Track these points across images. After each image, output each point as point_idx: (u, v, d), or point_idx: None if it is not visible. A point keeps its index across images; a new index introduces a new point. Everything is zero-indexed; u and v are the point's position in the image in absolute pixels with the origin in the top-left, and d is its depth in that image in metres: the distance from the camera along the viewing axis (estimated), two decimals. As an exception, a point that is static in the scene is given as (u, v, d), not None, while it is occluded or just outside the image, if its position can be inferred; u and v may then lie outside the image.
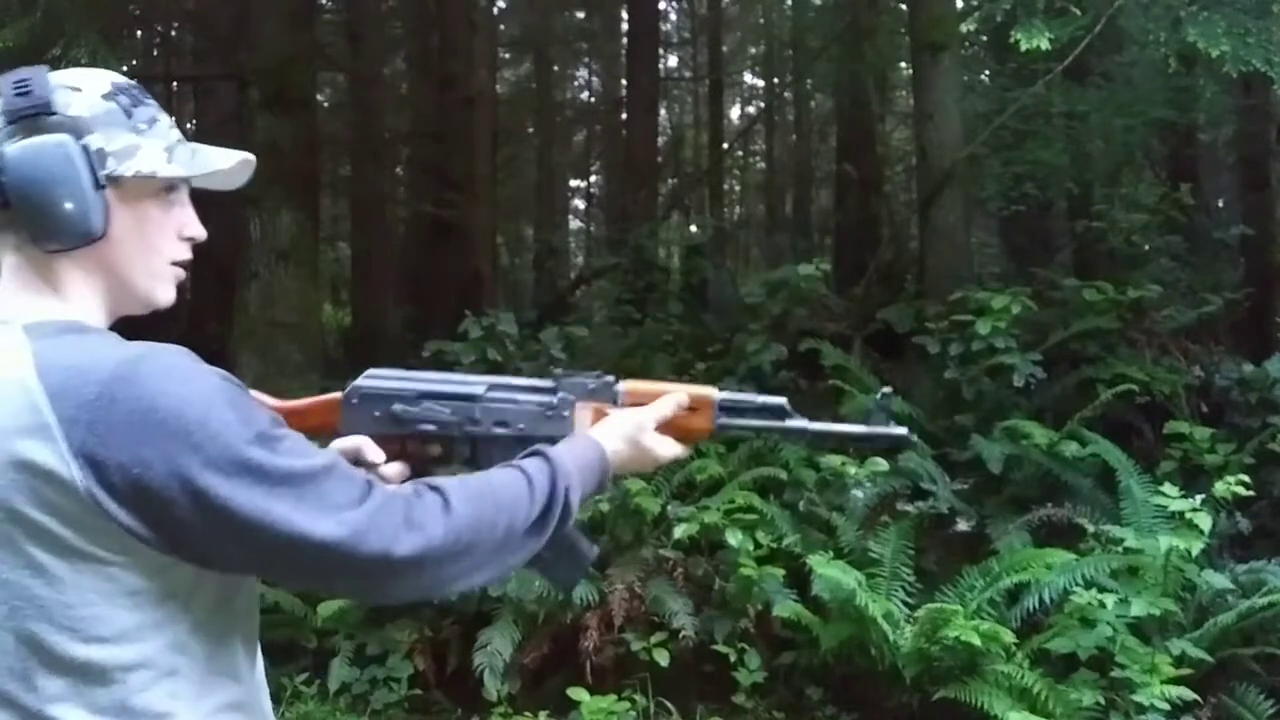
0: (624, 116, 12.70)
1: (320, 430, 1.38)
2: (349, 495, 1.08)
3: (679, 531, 4.44)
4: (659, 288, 8.02)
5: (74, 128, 1.12)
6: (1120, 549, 4.20)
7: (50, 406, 1.02)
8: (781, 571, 4.38)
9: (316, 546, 1.05)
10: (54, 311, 1.13)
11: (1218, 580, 4.17)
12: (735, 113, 18.70)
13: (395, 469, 1.37)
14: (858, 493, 4.85)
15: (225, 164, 1.23)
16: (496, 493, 1.19)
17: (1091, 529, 4.44)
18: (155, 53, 11.70)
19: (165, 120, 1.20)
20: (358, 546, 1.06)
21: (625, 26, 13.29)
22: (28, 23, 5.80)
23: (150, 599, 1.07)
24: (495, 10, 13.52)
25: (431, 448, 1.40)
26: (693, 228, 13.40)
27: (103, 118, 1.14)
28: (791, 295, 6.71)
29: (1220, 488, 4.25)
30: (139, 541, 1.04)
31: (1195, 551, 3.99)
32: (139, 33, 10.96)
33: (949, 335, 5.66)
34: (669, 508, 4.73)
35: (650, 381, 1.47)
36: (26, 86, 1.12)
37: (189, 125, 11.66)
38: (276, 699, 1.29)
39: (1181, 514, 4.09)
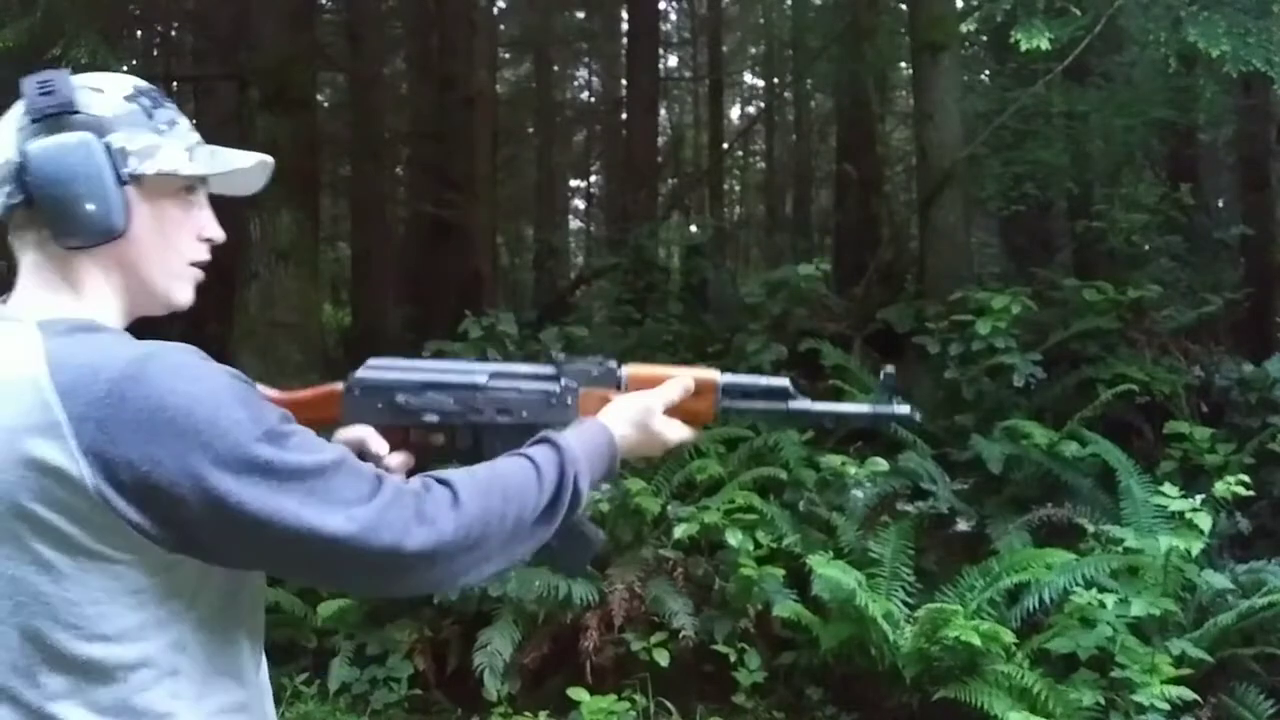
0: (624, 116, 12.70)
1: (322, 422, 1.37)
2: (359, 490, 1.08)
3: (679, 531, 4.44)
4: (659, 288, 8.03)
5: (97, 126, 1.13)
6: (1120, 549, 4.20)
7: (61, 404, 1.02)
8: (781, 571, 4.38)
9: (327, 542, 1.05)
10: (69, 309, 1.13)
11: (1218, 580, 4.17)
12: (735, 113, 18.72)
13: (399, 459, 1.37)
14: (858, 493, 4.85)
15: (245, 163, 1.24)
16: (505, 483, 1.18)
17: (1091, 529, 4.44)
18: (155, 53, 11.69)
19: (185, 123, 1.22)
20: (368, 542, 1.06)
21: (625, 26, 13.29)
22: (28, 23, 5.80)
23: (154, 597, 1.07)
24: (495, 10, 13.53)
25: (434, 437, 1.40)
26: (693, 228, 13.39)
27: (125, 118, 1.16)
28: (791, 295, 6.72)
29: (1220, 488, 4.25)
30: (147, 539, 1.04)
31: (1195, 551, 3.99)
32: (139, 33, 10.96)
33: (949, 335, 5.66)
34: (669, 508, 4.73)
35: (653, 366, 1.47)
36: (50, 86, 1.13)
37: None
38: (277, 699, 1.29)
39: (1181, 514, 4.09)
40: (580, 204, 20.28)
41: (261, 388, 1.33)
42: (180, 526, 1.04)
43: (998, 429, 5.22)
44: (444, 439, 1.40)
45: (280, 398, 1.37)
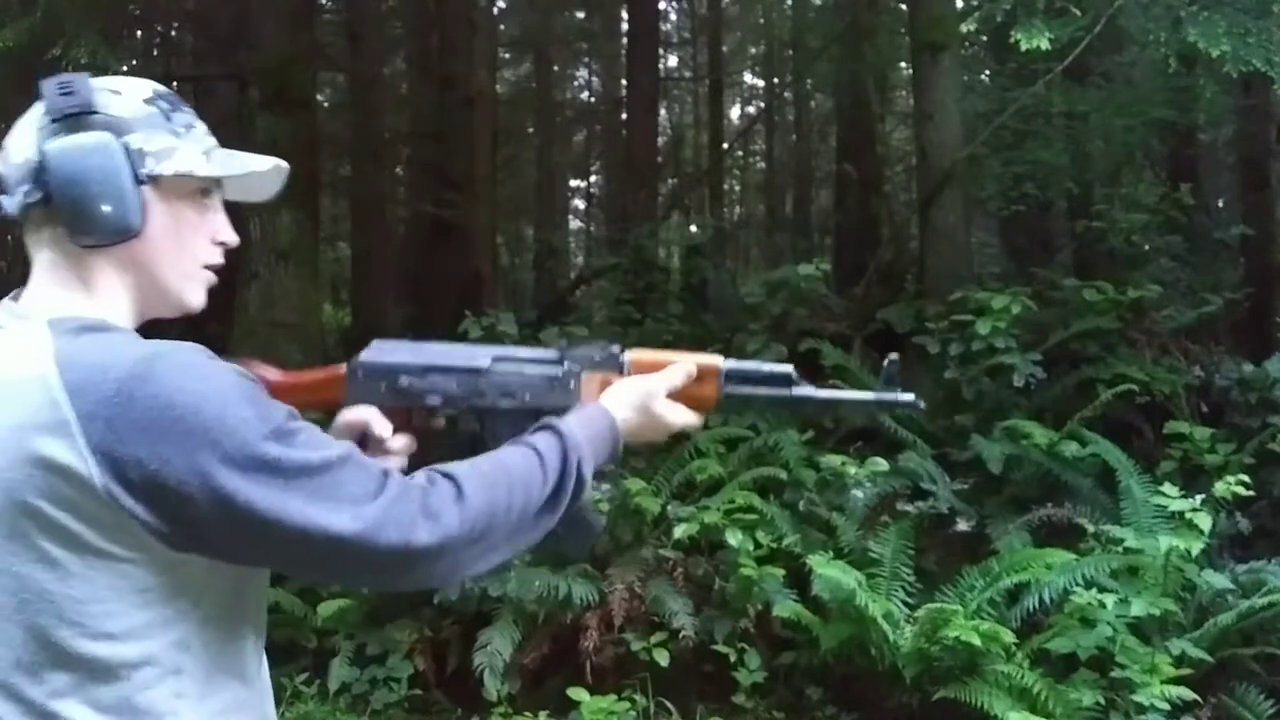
0: (624, 116, 12.69)
1: (325, 403, 1.38)
2: (365, 487, 1.09)
3: (679, 531, 4.44)
4: (659, 288, 8.02)
5: (116, 127, 1.15)
6: (1120, 549, 4.20)
7: (69, 403, 1.03)
8: (781, 571, 4.38)
9: (334, 540, 1.06)
10: (80, 308, 1.14)
11: (1218, 580, 4.17)
12: (735, 113, 18.71)
13: (401, 442, 1.37)
14: (858, 493, 4.85)
15: (261, 166, 1.25)
16: (509, 473, 1.19)
17: (1091, 529, 4.44)
18: (155, 53, 11.68)
19: (202, 127, 1.23)
20: (375, 539, 1.07)
21: (625, 26, 13.29)
22: (28, 23, 5.80)
23: (160, 596, 1.08)
24: (495, 10, 13.53)
25: (437, 420, 1.40)
26: (693, 228, 13.38)
27: (143, 119, 1.17)
28: (791, 295, 6.72)
29: (1220, 488, 4.25)
30: (154, 538, 1.05)
31: (1195, 551, 3.99)
32: (139, 33, 10.95)
33: (949, 335, 5.66)
34: (669, 508, 4.74)
35: (656, 350, 1.46)
36: (70, 88, 1.15)
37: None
38: (277, 699, 1.29)
39: (1181, 514, 4.10)
40: (580, 204, 20.29)
41: (266, 368, 1.35)
42: (188, 524, 1.04)
43: (998, 429, 5.22)
44: (446, 422, 1.40)
45: (284, 379, 1.37)
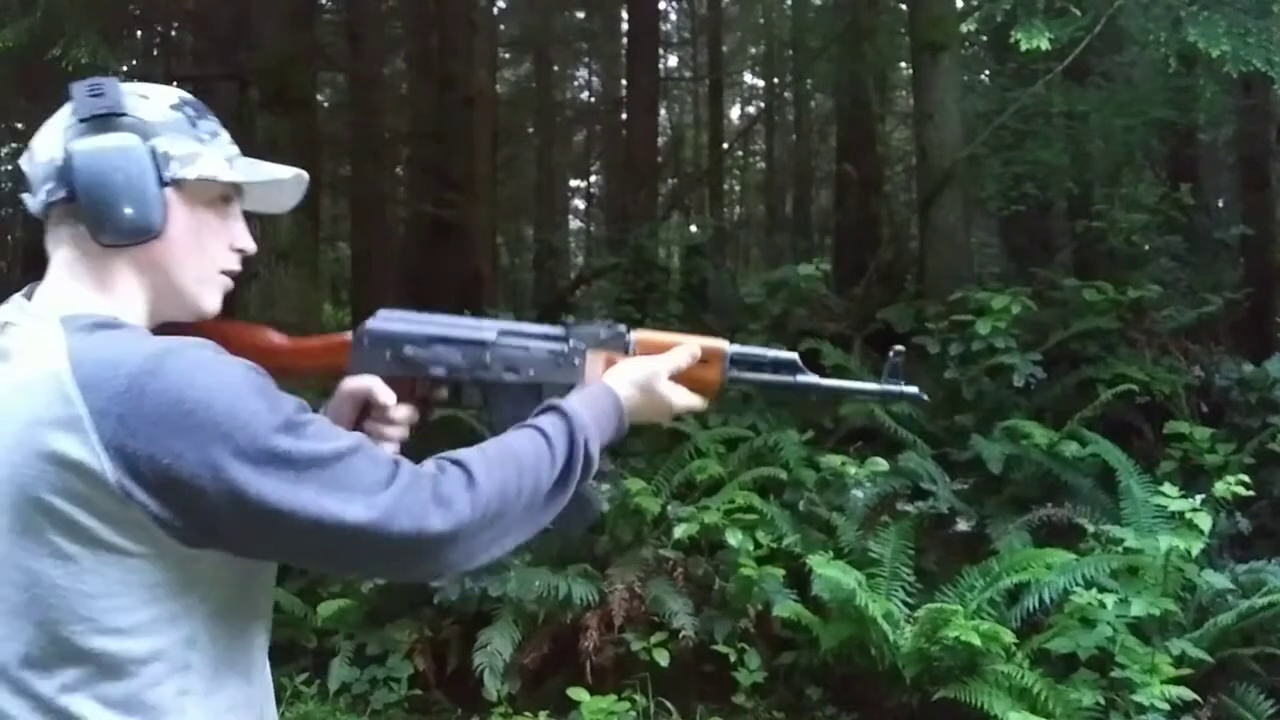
0: (624, 116, 12.69)
1: (329, 370, 1.38)
2: (377, 476, 1.09)
3: (679, 531, 4.44)
4: (659, 288, 8.01)
5: (142, 130, 1.16)
6: (1120, 549, 4.20)
7: (82, 399, 1.04)
8: (781, 571, 4.38)
9: (349, 529, 1.06)
10: (94, 306, 1.15)
11: (1218, 580, 4.17)
12: (735, 113, 18.71)
13: (404, 411, 1.37)
14: (858, 493, 4.85)
15: (283, 175, 1.27)
16: (518, 457, 1.19)
17: (1091, 529, 4.44)
18: (155, 53, 11.68)
19: (225, 135, 1.25)
20: (389, 527, 1.07)
21: (625, 26, 13.29)
22: (28, 23, 5.80)
23: (170, 591, 1.09)
24: (495, 10, 13.53)
25: (440, 391, 1.40)
26: (693, 228, 13.38)
27: (169, 124, 1.19)
28: (791, 295, 6.72)
29: (1220, 488, 4.25)
30: (166, 533, 1.06)
31: (1195, 551, 3.99)
32: (139, 33, 10.95)
33: (949, 335, 5.66)
34: (669, 508, 4.74)
35: (662, 332, 1.46)
36: (100, 90, 1.16)
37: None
38: (277, 699, 1.29)
39: (1181, 514, 4.09)
40: (580, 204, 20.30)
41: (271, 333, 1.36)
42: (201, 518, 1.05)
43: (998, 429, 5.22)
44: (450, 393, 1.41)
45: (289, 345, 1.37)
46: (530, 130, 16.10)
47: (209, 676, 1.13)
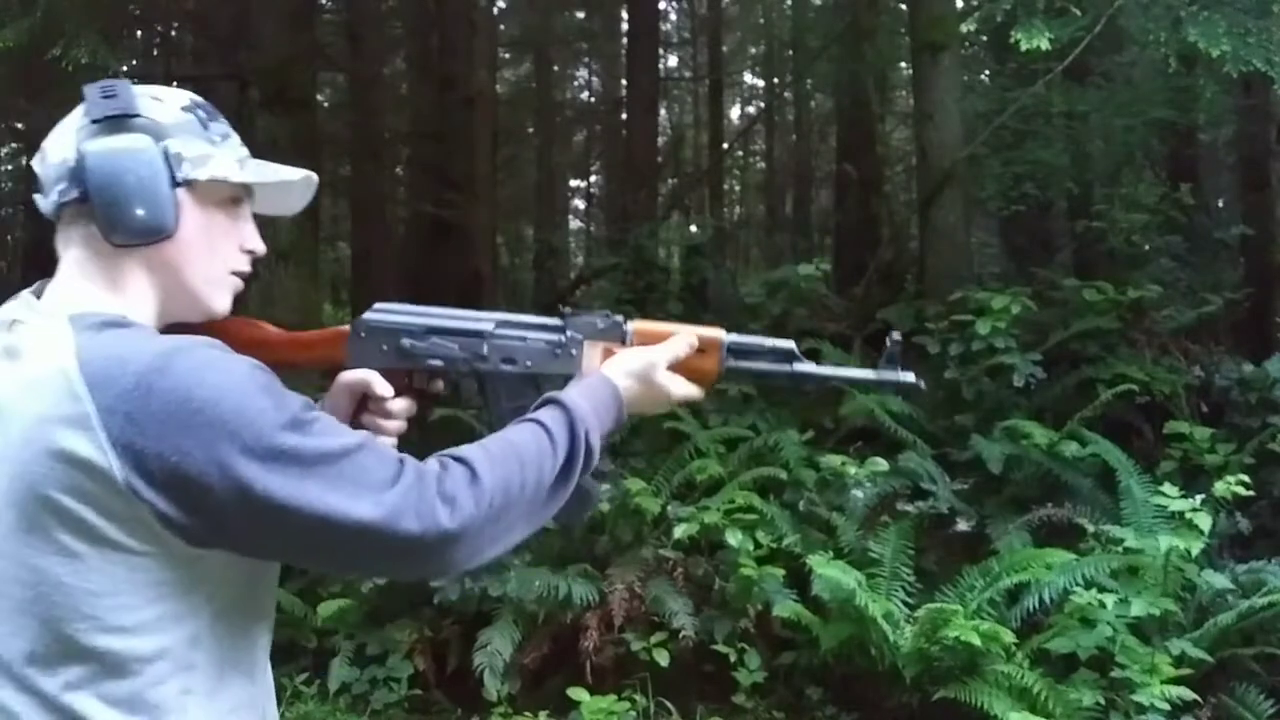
0: (624, 116, 12.69)
1: (326, 362, 1.38)
2: (383, 474, 1.10)
3: (679, 531, 4.44)
4: (659, 288, 8.02)
5: (155, 131, 1.17)
6: (1120, 549, 4.20)
7: (90, 396, 1.04)
8: (781, 571, 4.38)
9: (355, 528, 1.07)
10: (103, 305, 1.15)
11: (1218, 580, 4.17)
12: (735, 113, 18.71)
13: (402, 404, 1.37)
14: (858, 493, 4.85)
15: (293, 176, 1.28)
16: (519, 452, 1.19)
17: (1091, 529, 4.44)
18: (155, 53, 11.68)
19: (236, 138, 1.26)
20: (395, 526, 1.08)
21: (625, 26, 13.28)
22: (28, 23, 5.80)
23: (175, 590, 1.09)
24: (495, 10, 13.51)
25: (437, 383, 1.40)
26: (693, 228, 13.37)
27: (181, 126, 1.20)
28: (791, 295, 6.72)
29: (1220, 488, 4.25)
30: (172, 531, 1.06)
31: (1195, 551, 3.99)
32: (139, 33, 10.95)
33: (949, 335, 5.66)
34: (669, 508, 4.74)
35: (659, 322, 1.46)
36: (113, 92, 1.17)
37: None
38: (277, 699, 1.30)
39: (1181, 514, 4.10)
40: (580, 204, 20.29)
41: (268, 327, 1.36)
42: (209, 516, 1.06)
43: (998, 429, 5.22)
44: (447, 385, 1.41)
45: (285, 338, 1.38)
46: (530, 130, 16.10)
47: (212, 676, 1.13)
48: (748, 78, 18.59)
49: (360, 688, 4.50)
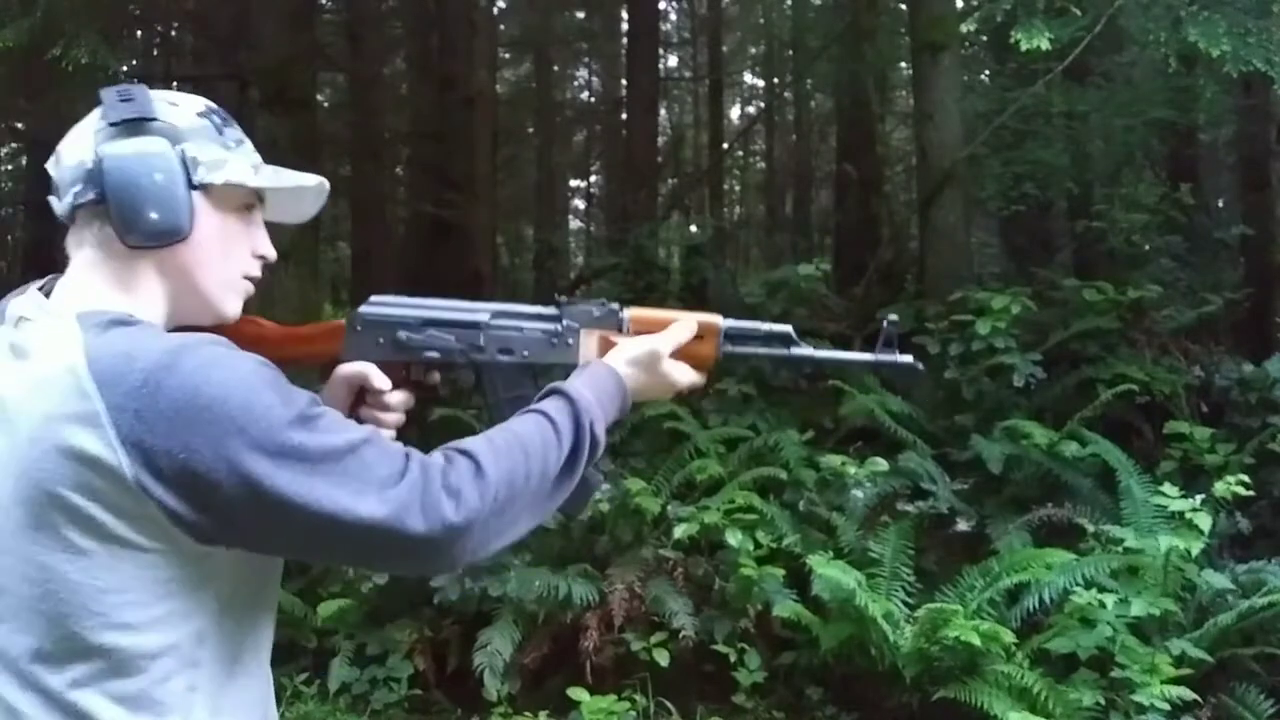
0: (624, 116, 12.68)
1: (323, 356, 1.39)
2: (390, 469, 1.10)
3: (679, 531, 4.44)
4: (659, 288, 8.01)
5: (172, 135, 1.19)
6: (1120, 549, 4.20)
7: (99, 394, 1.05)
8: (781, 571, 4.38)
9: (363, 524, 1.07)
10: (111, 304, 1.16)
11: (1218, 580, 4.17)
12: (735, 113, 18.70)
13: (400, 396, 1.38)
14: (858, 493, 4.85)
15: (307, 182, 1.29)
16: (524, 444, 1.20)
17: (1091, 529, 4.44)
18: (155, 53, 11.68)
19: (249, 144, 1.27)
20: (403, 521, 1.08)
21: (625, 26, 13.28)
22: (28, 23, 5.80)
23: (183, 587, 1.10)
24: (495, 10, 13.51)
25: (433, 375, 1.41)
26: (693, 228, 13.37)
27: (197, 130, 1.21)
28: (791, 295, 6.71)
29: (1220, 488, 4.25)
30: (181, 528, 1.06)
31: (1195, 551, 3.99)
32: (139, 33, 10.94)
33: (949, 335, 5.66)
34: (669, 508, 4.74)
35: (656, 309, 1.46)
36: (130, 96, 1.19)
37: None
38: (277, 699, 1.30)
39: (1181, 514, 4.10)
40: (580, 204, 20.29)
41: (264, 322, 1.37)
42: (217, 512, 1.06)
43: (998, 429, 5.22)
44: (444, 376, 1.41)
45: (282, 333, 1.38)
46: (530, 130, 16.09)
47: (217, 674, 1.14)
48: (748, 78, 18.60)
49: (360, 688, 4.50)
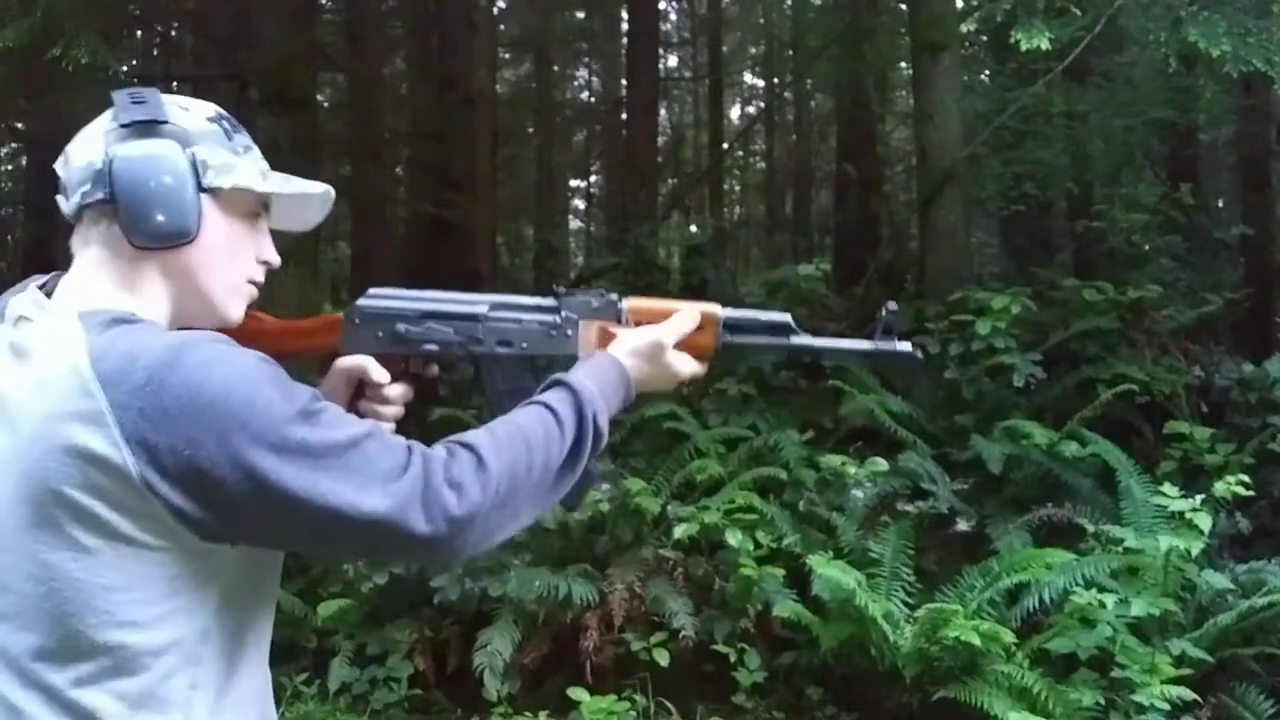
0: (624, 116, 12.68)
1: (322, 350, 1.39)
2: (392, 463, 1.11)
3: (679, 531, 4.44)
4: (659, 288, 8.01)
5: (183, 138, 1.20)
6: (1120, 549, 4.20)
7: (103, 392, 1.05)
8: (781, 571, 4.38)
9: (366, 518, 1.08)
10: (113, 303, 1.16)
11: (1218, 580, 4.17)
12: (735, 113, 18.70)
13: (399, 390, 1.38)
14: (858, 493, 4.85)
15: (314, 189, 1.31)
16: (526, 436, 1.20)
17: (1091, 529, 4.44)
18: (155, 53, 11.68)
19: (258, 151, 1.28)
20: (406, 515, 1.09)
21: (625, 26, 13.28)
22: (28, 23, 5.80)
23: (187, 584, 1.10)
24: (495, 10, 13.51)
25: (432, 367, 1.41)
26: (693, 228, 13.37)
27: (207, 135, 1.22)
28: (791, 295, 6.72)
29: (1220, 488, 4.25)
30: (186, 526, 1.07)
31: (1195, 551, 3.99)
32: (139, 33, 10.95)
33: (949, 335, 5.66)
34: (669, 508, 4.74)
35: (654, 299, 1.46)
36: (142, 98, 1.19)
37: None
38: (277, 699, 1.30)
39: (1181, 514, 4.09)
40: (580, 204, 20.28)
41: (263, 316, 1.37)
42: (221, 509, 1.07)
43: (998, 429, 5.22)
44: (443, 369, 1.41)
45: (281, 325, 1.39)
46: (530, 130, 16.08)
47: (218, 671, 1.14)
48: (748, 78, 18.59)
49: (360, 688, 4.50)
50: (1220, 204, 10.39)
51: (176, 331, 1.13)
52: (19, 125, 10.25)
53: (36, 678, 1.08)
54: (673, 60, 17.68)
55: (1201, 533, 4.01)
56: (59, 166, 1.21)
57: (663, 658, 4.27)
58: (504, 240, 15.16)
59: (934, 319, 5.85)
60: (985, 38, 8.08)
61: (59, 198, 1.21)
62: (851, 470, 4.82)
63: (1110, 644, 3.87)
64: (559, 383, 1.27)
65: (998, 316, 5.44)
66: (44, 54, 5.67)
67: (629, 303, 1.43)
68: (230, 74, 8.31)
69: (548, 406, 1.24)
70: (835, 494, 4.94)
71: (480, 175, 10.13)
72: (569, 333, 1.41)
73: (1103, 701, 3.78)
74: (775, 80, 16.39)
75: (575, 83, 18.89)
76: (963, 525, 4.88)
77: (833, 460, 4.93)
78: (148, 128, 1.18)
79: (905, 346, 1.46)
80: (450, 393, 5.23)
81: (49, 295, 1.18)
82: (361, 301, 1.40)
